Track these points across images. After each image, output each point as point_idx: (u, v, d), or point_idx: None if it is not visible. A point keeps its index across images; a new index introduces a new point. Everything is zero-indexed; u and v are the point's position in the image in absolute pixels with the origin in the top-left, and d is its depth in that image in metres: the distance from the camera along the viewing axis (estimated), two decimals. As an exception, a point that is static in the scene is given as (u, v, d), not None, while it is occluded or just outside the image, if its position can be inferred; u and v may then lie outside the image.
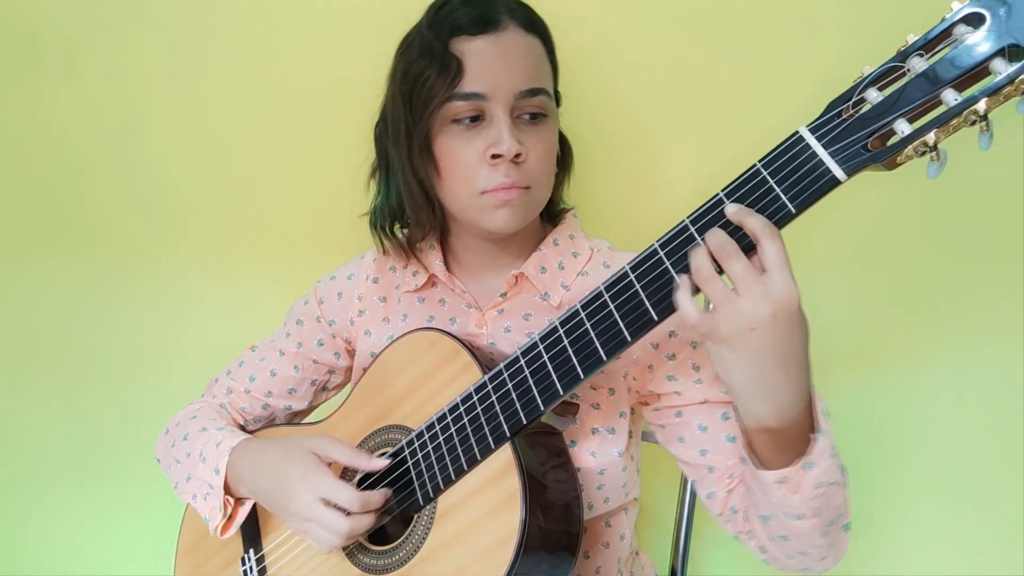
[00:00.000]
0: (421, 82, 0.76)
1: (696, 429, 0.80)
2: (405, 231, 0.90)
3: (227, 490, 0.84)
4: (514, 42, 0.77)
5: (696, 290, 0.60)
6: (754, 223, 0.57)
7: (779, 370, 0.58)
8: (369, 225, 0.91)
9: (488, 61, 0.75)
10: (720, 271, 0.58)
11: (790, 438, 0.62)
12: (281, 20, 1.21)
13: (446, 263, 0.90)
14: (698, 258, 0.59)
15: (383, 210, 0.89)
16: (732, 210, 0.58)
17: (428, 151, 0.79)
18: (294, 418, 1.01)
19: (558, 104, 0.85)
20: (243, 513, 0.85)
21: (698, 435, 0.79)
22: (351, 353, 0.97)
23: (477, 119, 0.77)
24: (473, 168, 0.77)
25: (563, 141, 0.89)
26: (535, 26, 0.80)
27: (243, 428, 0.98)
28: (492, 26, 0.76)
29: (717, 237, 0.58)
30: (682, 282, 0.60)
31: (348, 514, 0.73)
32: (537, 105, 0.78)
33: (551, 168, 0.82)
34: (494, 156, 0.76)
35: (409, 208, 0.84)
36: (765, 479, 0.63)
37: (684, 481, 1.05)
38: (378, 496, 0.75)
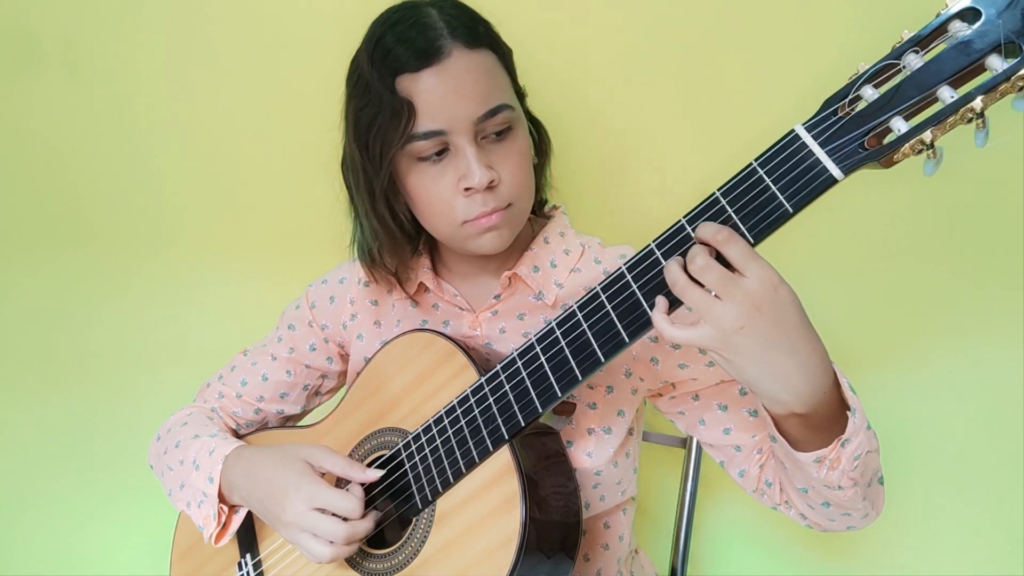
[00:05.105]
0: (375, 131, 0.74)
1: (716, 409, 0.80)
2: None
3: (221, 498, 0.84)
4: (461, 68, 0.72)
5: (678, 303, 0.59)
6: (704, 233, 0.57)
7: (785, 355, 0.57)
8: (357, 258, 0.88)
9: (439, 95, 0.71)
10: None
11: (820, 419, 0.60)
12: (277, 19, 1.21)
13: (436, 269, 0.89)
14: (671, 272, 0.59)
15: (363, 245, 0.85)
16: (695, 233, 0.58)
17: (402, 189, 0.78)
18: (287, 422, 1.00)
19: (523, 99, 0.82)
20: (237, 521, 0.85)
21: (719, 415, 0.79)
22: (344, 357, 0.97)
23: (443, 152, 0.74)
24: (449, 201, 0.75)
25: (538, 126, 0.86)
26: (479, 38, 0.74)
27: (235, 433, 0.97)
28: (435, 57, 0.71)
29: (689, 254, 0.58)
30: (657, 303, 0.60)
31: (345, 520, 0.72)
32: (500, 123, 0.74)
33: (529, 177, 0.79)
34: (467, 189, 0.74)
35: (380, 253, 0.83)
36: (802, 460, 0.62)
37: (684, 481, 1.05)
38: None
